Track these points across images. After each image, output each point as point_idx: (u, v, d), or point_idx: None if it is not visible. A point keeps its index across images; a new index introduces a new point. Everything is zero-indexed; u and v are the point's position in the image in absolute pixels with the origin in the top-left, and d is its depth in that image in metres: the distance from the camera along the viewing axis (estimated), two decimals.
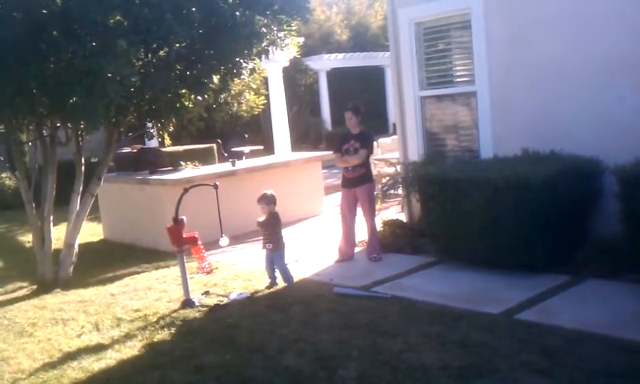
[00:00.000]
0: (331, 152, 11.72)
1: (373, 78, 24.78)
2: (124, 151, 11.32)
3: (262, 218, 6.83)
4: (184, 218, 6.56)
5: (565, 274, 6.16)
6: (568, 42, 6.90)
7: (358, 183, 7.58)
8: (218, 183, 6.85)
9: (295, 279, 6.91)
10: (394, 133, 14.69)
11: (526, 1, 7.22)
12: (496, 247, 6.30)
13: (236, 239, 8.49)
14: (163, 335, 5.69)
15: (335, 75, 23.68)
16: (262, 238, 6.99)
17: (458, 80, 8.23)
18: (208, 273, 7.12)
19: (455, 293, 6.03)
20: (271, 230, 6.83)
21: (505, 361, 4.41)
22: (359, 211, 7.72)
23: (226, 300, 6.48)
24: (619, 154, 5.87)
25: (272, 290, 6.74)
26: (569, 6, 6.87)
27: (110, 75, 6.43)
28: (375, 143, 13.85)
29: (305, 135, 22.05)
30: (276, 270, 6.88)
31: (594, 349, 4.49)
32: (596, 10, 6.66)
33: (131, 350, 5.41)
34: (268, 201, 6.86)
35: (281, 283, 6.85)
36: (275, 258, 6.85)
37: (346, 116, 7.78)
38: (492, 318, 5.27)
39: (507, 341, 4.75)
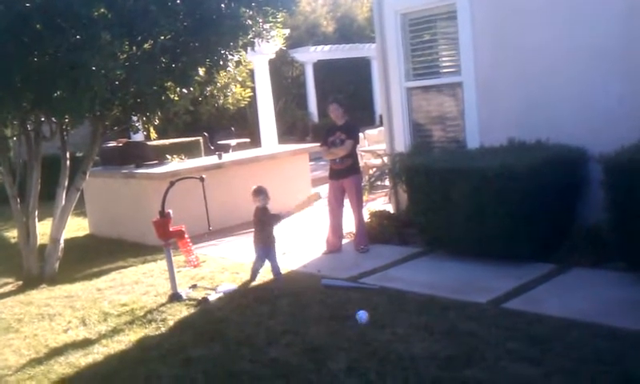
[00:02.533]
0: (318, 144, 11.75)
1: (359, 70, 24.74)
2: (109, 145, 11.25)
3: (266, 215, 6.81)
4: (170, 211, 6.53)
5: (551, 262, 6.19)
6: (554, 32, 6.91)
7: (346, 175, 7.57)
8: (204, 176, 6.82)
9: (283, 271, 6.90)
10: (381, 124, 14.65)
11: None
12: (483, 237, 6.32)
13: (223, 232, 8.47)
14: (151, 329, 5.66)
15: (321, 67, 23.63)
16: (252, 231, 6.97)
17: (444, 71, 8.22)
18: (195, 266, 7.10)
19: (443, 283, 6.05)
20: (268, 226, 6.83)
21: (492, 350, 4.43)
22: (347, 203, 7.71)
23: (213, 293, 6.46)
24: (605, 143, 5.86)
25: (259, 282, 6.71)
26: None
27: (94, 68, 6.37)
28: (362, 134, 13.86)
29: (291, 128, 22.01)
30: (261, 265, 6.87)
31: (581, 336, 4.51)
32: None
33: (118, 344, 5.38)
34: (265, 194, 6.87)
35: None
36: (270, 253, 6.84)
37: (330, 109, 7.79)
38: (479, 308, 5.28)
39: (495, 330, 4.76)
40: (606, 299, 5.22)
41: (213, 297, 6.32)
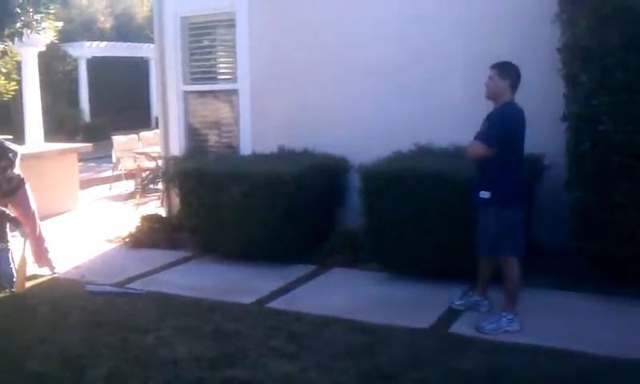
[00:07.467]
0: (88, 144, 11.25)
1: (137, 70, 24.06)
2: None
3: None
4: None
5: (314, 263, 6.55)
6: (325, 48, 7.33)
7: None
8: None
9: (44, 278, 6.51)
10: (157, 126, 14.36)
11: (288, 7, 7.55)
12: (251, 240, 6.50)
13: None
14: None
15: (97, 64, 22.59)
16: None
17: (222, 77, 8.38)
18: None
19: (210, 285, 6.11)
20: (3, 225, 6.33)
21: (255, 348, 4.58)
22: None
23: None
24: (368, 155, 6.29)
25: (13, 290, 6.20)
26: (329, 15, 7.29)
27: None
28: (136, 136, 13.55)
29: (60, 125, 20.68)
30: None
31: (337, 332, 4.84)
32: (357, 19, 7.14)
33: None
34: None
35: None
36: (8, 256, 6.29)
37: None
38: (245, 308, 5.44)
39: (258, 329, 4.93)
40: (360, 297, 5.66)
41: None
